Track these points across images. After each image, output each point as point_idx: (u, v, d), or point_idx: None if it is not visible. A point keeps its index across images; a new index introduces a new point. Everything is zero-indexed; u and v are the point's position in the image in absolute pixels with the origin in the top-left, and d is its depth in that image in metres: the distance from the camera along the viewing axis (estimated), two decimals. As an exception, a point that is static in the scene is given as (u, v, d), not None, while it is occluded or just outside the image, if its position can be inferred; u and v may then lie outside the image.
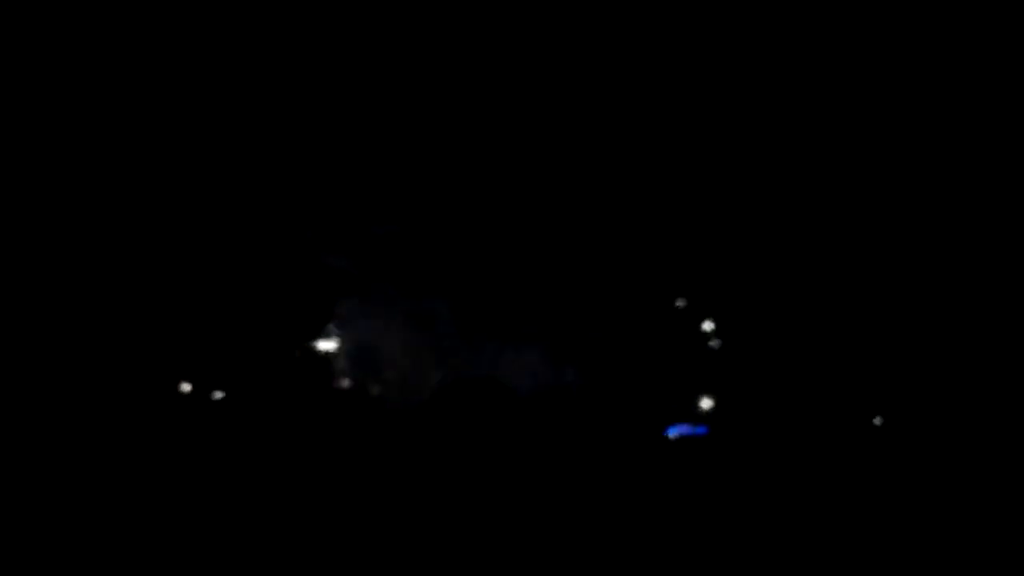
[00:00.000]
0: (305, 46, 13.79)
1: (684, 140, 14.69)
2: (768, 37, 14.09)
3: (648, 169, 14.81)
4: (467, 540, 7.90)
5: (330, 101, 14.08)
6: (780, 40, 14.07)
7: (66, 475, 8.73)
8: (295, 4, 13.73)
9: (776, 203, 14.57)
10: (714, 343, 14.75)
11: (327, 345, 13.86)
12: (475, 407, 9.83)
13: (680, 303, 14.81)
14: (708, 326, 14.82)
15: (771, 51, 14.12)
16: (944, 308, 13.65)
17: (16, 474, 8.61)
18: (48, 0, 12.44)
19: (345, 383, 13.91)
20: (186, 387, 12.25)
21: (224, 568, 7.66)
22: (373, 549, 7.89)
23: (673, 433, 13.17)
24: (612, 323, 14.88)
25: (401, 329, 14.52)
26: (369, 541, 7.97)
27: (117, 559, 7.55)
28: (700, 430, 13.68)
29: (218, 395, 12.26)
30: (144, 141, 13.03)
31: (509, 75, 14.45)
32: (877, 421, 12.98)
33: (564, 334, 14.73)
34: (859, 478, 9.25)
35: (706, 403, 14.37)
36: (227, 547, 7.85)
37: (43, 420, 10.06)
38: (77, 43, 12.58)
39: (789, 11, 13.88)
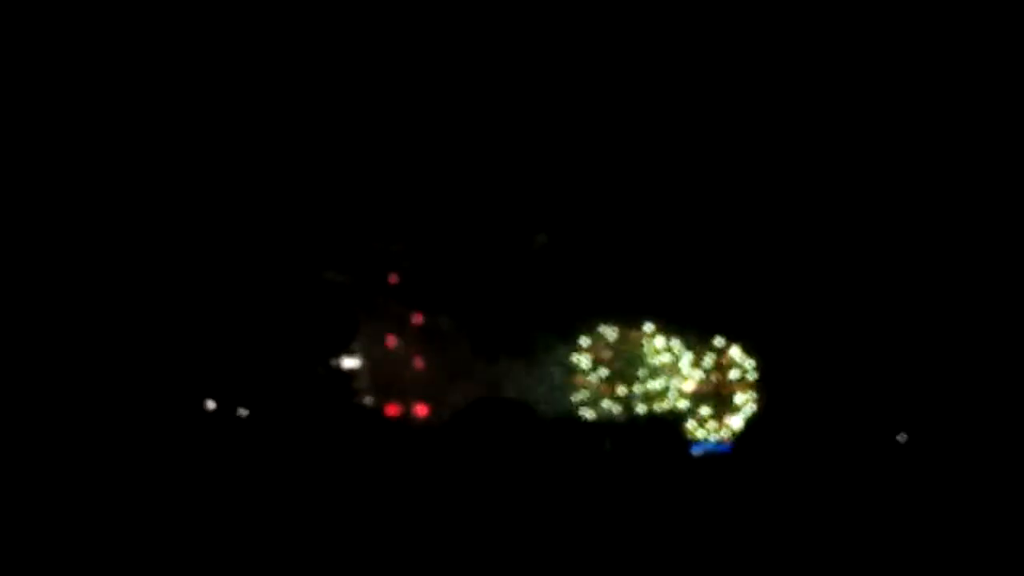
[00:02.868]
0: (314, 69, 13.88)
1: (691, 152, 14.69)
2: (768, 37, 14.12)
3: (660, 181, 14.82)
4: (490, 561, 7.90)
5: (344, 124, 14.16)
6: (780, 40, 14.09)
7: (83, 494, 8.76)
8: (303, 18, 13.82)
9: (791, 218, 14.56)
10: (734, 357, 14.72)
11: (350, 363, 13.91)
12: (499, 428, 9.84)
13: (697, 316, 14.79)
14: (726, 342, 14.80)
15: (771, 51, 14.14)
16: (958, 327, 13.61)
17: (28, 493, 8.64)
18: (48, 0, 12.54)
19: (368, 400, 13.95)
20: (211, 404, 12.32)
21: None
22: (394, 569, 7.89)
23: (697, 451, 13.14)
24: (625, 338, 14.87)
25: (421, 347, 14.55)
26: (391, 560, 7.97)
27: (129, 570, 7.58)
28: (724, 448, 13.65)
29: (243, 412, 12.32)
30: (164, 164, 13.13)
31: (514, 88, 14.50)
32: (901, 438, 12.90)
33: (578, 349, 14.74)
34: (882, 498, 9.20)
35: (730, 420, 14.35)
36: (247, 566, 7.87)
37: (62, 438, 10.11)
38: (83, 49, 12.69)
39: (789, 11, 13.91)
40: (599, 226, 14.94)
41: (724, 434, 14.19)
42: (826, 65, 13.98)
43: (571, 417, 13.54)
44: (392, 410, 13.87)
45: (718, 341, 14.67)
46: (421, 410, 13.91)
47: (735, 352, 14.63)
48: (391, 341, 14.34)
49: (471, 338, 14.48)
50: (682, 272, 14.74)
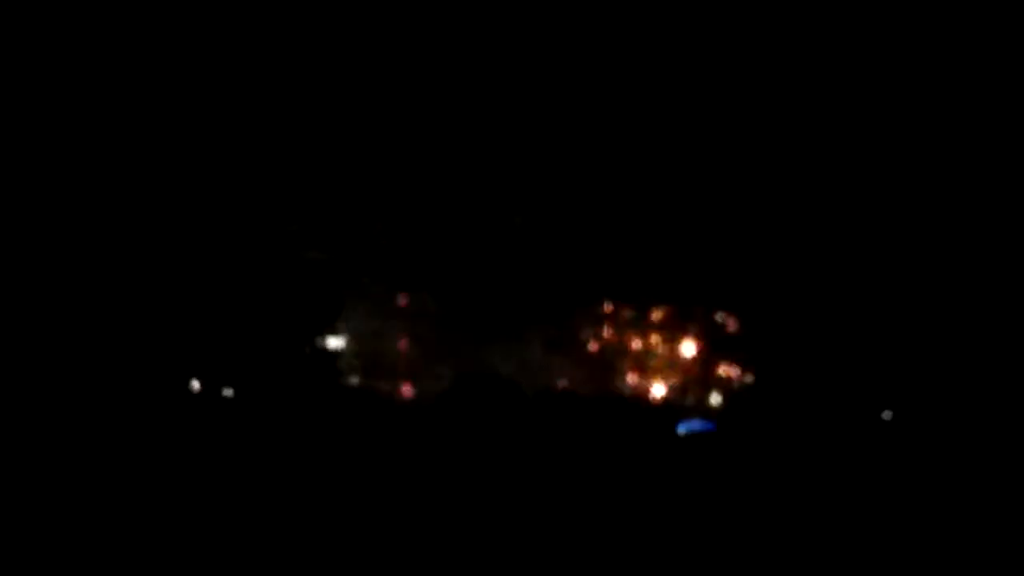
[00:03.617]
0: (289, 52, 13.80)
1: (685, 137, 14.66)
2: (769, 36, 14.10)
3: (647, 160, 14.78)
4: (478, 539, 7.92)
5: (321, 106, 14.09)
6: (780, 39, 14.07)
7: (72, 475, 8.74)
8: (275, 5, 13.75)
9: (781, 201, 14.54)
10: (722, 337, 14.73)
11: (336, 342, 13.88)
12: (486, 407, 9.85)
13: (685, 296, 14.78)
14: (714, 320, 14.80)
15: (771, 50, 14.12)
16: (946, 306, 13.63)
17: (17, 474, 8.61)
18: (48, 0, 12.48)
19: (354, 380, 13.93)
20: (196, 384, 12.27)
21: (232, 567, 7.68)
22: (384, 547, 7.90)
23: (682, 429, 13.17)
24: (614, 316, 14.86)
25: (406, 325, 14.53)
26: (380, 539, 7.98)
27: (119, 558, 7.56)
28: (709, 426, 13.68)
29: (227, 392, 12.28)
30: (152, 144, 13.06)
31: (495, 65, 14.43)
32: (886, 415, 12.95)
33: (565, 326, 14.73)
34: (866, 477, 9.24)
35: (715, 399, 14.36)
36: (235, 545, 7.87)
37: (50, 420, 10.07)
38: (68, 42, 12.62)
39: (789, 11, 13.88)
40: (577, 205, 14.92)
41: (708, 411, 14.20)
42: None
43: (555, 395, 13.56)
44: (379, 390, 13.86)
45: (703, 315, 14.67)
46: (406, 390, 13.90)
47: (722, 327, 14.63)
48: (376, 321, 14.32)
49: (455, 318, 14.46)
50: (666, 249, 14.72)
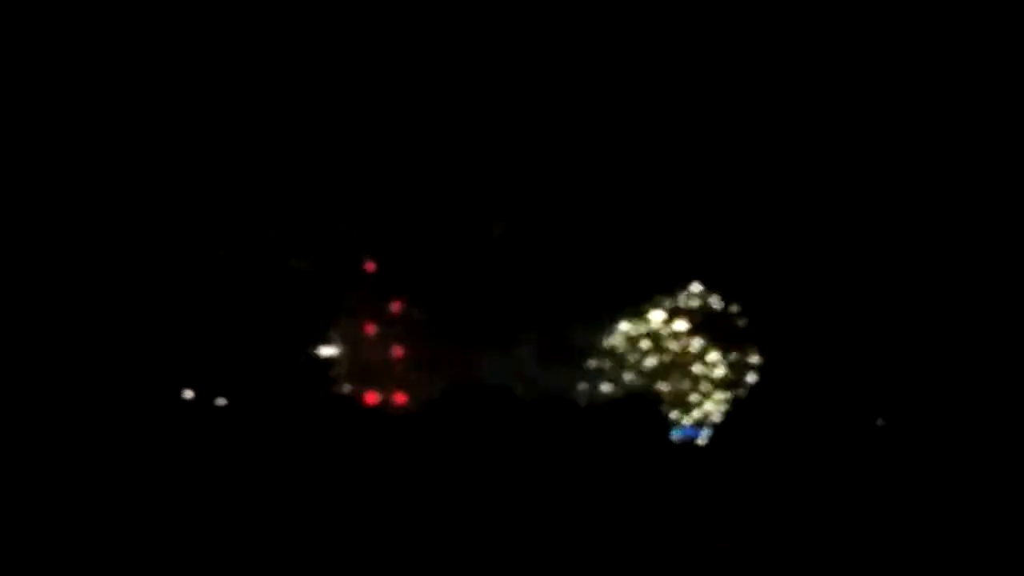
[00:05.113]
0: (279, 64, 13.83)
1: (674, 139, 14.69)
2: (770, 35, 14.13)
3: (635, 166, 14.82)
4: (470, 545, 7.89)
5: (322, 116, 14.14)
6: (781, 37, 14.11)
7: (69, 480, 8.72)
8: (272, 8, 13.78)
9: (777, 205, 14.56)
10: (714, 343, 14.74)
11: (328, 351, 13.90)
12: (478, 416, 9.83)
13: (673, 303, 14.79)
14: (705, 328, 14.82)
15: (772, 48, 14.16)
16: (945, 308, 13.65)
17: (18, 478, 8.60)
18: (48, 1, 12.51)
19: (346, 388, 13.95)
20: (189, 394, 12.28)
21: (225, 569, 7.66)
22: (376, 553, 7.88)
23: (676, 436, 13.19)
24: (603, 324, 14.88)
25: (398, 334, 14.55)
26: (373, 545, 7.96)
27: (117, 559, 7.54)
28: (700, 432, 13.70)
29: (221, 402, 12.28)
30: (153, 148, 13.08)
31: (488, 71, 14.49)
32: (880, 423, 12.96)
33: (554, 335, 14.75)
34: (861, 480, 9.24)
35: (710, 405, 14.38)
36: (228, 549, 7.84)
37: (46, 426, 10.05)
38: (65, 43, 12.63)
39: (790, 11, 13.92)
40: (559, 213, 14.97)
41: (699, 416, 14.22)
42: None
43: (548, 402, 13.55)
44: (371, 398, 13.87)
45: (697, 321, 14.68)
46: (399, 398, 13.90)
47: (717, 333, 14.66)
48: (368, 329, 14.33)
49: (446, 326, 14.49)
50: (660, 255, 14.75)
